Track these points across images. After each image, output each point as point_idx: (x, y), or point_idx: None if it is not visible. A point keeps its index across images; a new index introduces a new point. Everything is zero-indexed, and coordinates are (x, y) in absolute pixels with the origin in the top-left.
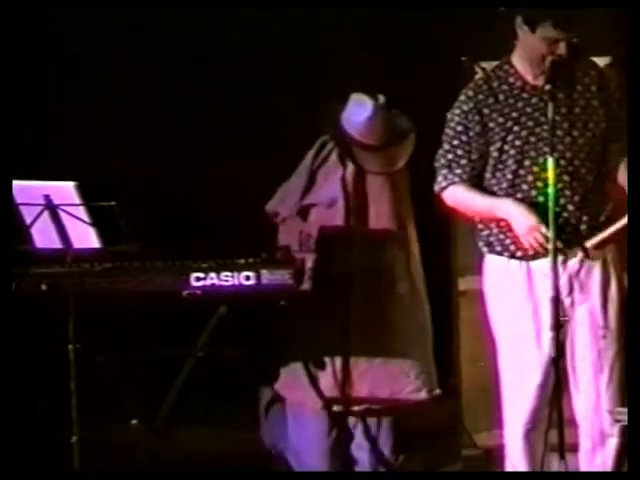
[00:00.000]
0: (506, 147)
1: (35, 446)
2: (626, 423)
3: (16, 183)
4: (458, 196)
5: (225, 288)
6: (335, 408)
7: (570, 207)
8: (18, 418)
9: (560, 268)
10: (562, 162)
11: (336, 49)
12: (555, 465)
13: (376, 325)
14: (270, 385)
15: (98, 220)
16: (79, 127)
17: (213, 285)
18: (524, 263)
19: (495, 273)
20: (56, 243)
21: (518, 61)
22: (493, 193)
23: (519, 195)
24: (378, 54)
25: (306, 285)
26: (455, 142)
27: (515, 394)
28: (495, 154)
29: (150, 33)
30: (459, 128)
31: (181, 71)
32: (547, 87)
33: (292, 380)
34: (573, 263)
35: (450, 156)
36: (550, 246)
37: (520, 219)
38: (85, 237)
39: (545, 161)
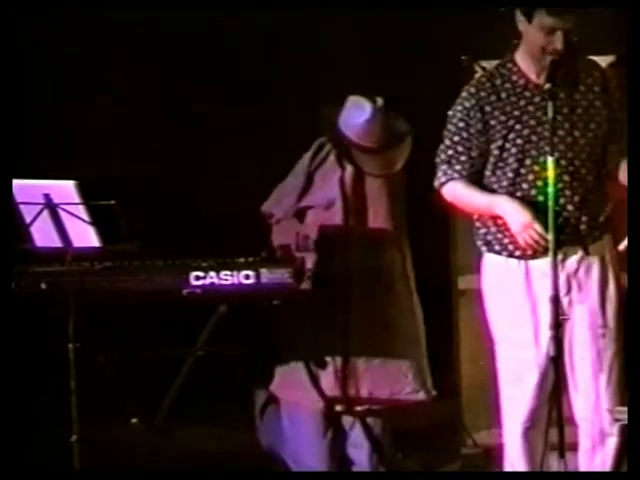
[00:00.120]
0: (507, 145)
1: (35, 445)
2: (625, 422)
3: (16, 182)
4: (457, 192)
5: (225, 287)
6: (336, 408)
7: (570, 207)
8: (18, 417)
9: (558, 267)
10: (563, 162)
11: (336, 49)
12: (555, 464)
13: (376, 325)
14: (265, 386)
15: (98, 219)
16: (79, 127)
17: (213, 284)
18: (522, 262)
19: (493, 272)
20: (56, 242)
21: (521, 59)
22: (493, 191)
23: (519, 194)
24: (378, 54)
25: (306, 284)
26: (456, 138)
27: (514, 393)
28: (496, 152)
29: (150, 33)
30: (460, 124)
31: (181, 71)
32: (547, 86)
33: (289, 380)
34: (571, 262)
35: (450, 152)
36: (550, 245)
37: (515, 216)
38: (85, 236)
39: (546, 161)
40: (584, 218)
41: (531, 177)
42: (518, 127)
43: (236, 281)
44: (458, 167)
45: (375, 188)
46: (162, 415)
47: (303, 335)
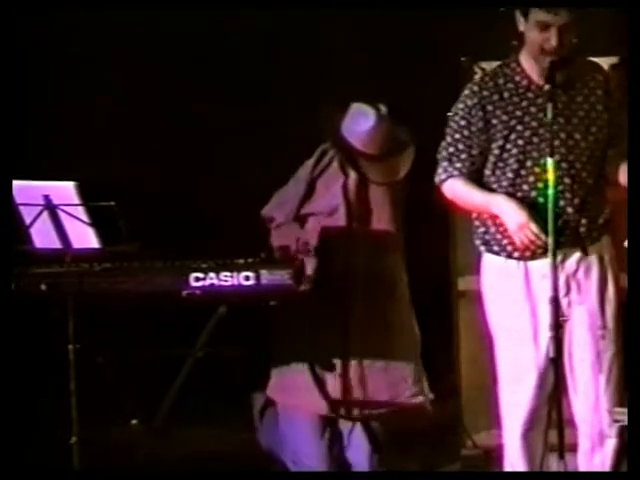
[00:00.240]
0: (508, 146)
1: (35, 446)
2: (625, 423)
3: (15, 183)
4: (456, 189)
5: (224, 288)
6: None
7: (569, 209)
8: (18, 418)
9: (558, 268)
10: (564, 165)
11: (336, 49)
12: (554, 465)
13: (376, 329)
14: (264, 388)
15: (97, 220)
16: (79, 127)
17: (212, 285)
18: (522, 263)
19: (493, 273)
20: (55, 243)
21: (525, 59)
22: (492, 190)
23: (519, 195)
24: (378, 54)
25: (305, 286)
26: (457, 136)
27: (513, 394)
28: (497, 151)
29: (150, 33)
30: (462, 122)
31: (181, 71)
32: (546, 87)
33: (286, 383)
34: (571, 263)
35: (451, 149)
36: (549, 246)
37: (511, 215)
38: (84, 237)
39: (546, 162)
40: (583, 221)
41: (531, 179)
42: (520, 128)
43: (236, 282)
44: (458, 165)
45: (378, 195)
46: (162, 416)
47: (302, 337)
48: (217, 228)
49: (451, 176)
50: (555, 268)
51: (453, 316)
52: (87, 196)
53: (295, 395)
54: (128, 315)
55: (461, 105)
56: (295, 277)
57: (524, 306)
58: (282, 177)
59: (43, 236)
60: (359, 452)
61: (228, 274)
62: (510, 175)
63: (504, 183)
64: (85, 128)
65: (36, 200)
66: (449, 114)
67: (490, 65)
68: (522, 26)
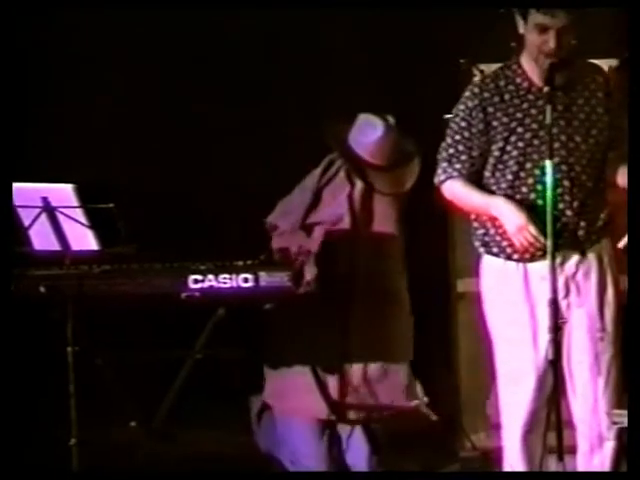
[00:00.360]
0: (508, 147)
1: (34, 448)
2: (624, 425)
3: (14, 185)
4: (455, 190)
5: (223, 290)
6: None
7: (568, 212)
8: (18, 419)
9: (557, 270)
10: (564, 167)
11: (336, 49)
12: (553, 467)
13: (376, 334)
14: (261, 391)
15: (96, 222)
16: (79, 127)
17: (211, 287)
18: (521, 265)
19: (492, 275)
20: (54, 245)
21: (525, 61)
22: (492, 192)
23: (518, 197)
24: (378, 54)
25: (304, 289)
26: (457, 137)
27: (512, 396)
28: (496, 153)
29: (150, 33)
30: (462, 124)
31: (181, 71)
32: (545, 89)
33: (287, 386)
34: (570, 265)
35: (451, 150)
36: (548, 249)
37: (510, 217)
38: (83, 239)
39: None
40: (582, 223)
41: (531, 181)
42: (520, 130)
43: (235, 284)
44: (458, 166)
45: (383, 206)
46: (160, 418)
47: (302, 339)
48: (216, 230)
49: (450, 177)
50: (554, 270)
51: (452, 318)
52: (86, 198)
53: (294, 398)
54: (127, 317)
55: (462, 106)
56: (294, 279)
57: (523, 308)
58: (282, 178)
59: (42, 238)
60: (358, 455)
61: (227, 276)
62: (509, 177)
63: (503, 185)
64: (85, 128)
65: (34, 202)
66: (449, 115)
67: (489, 67)
68: (521, 28)
